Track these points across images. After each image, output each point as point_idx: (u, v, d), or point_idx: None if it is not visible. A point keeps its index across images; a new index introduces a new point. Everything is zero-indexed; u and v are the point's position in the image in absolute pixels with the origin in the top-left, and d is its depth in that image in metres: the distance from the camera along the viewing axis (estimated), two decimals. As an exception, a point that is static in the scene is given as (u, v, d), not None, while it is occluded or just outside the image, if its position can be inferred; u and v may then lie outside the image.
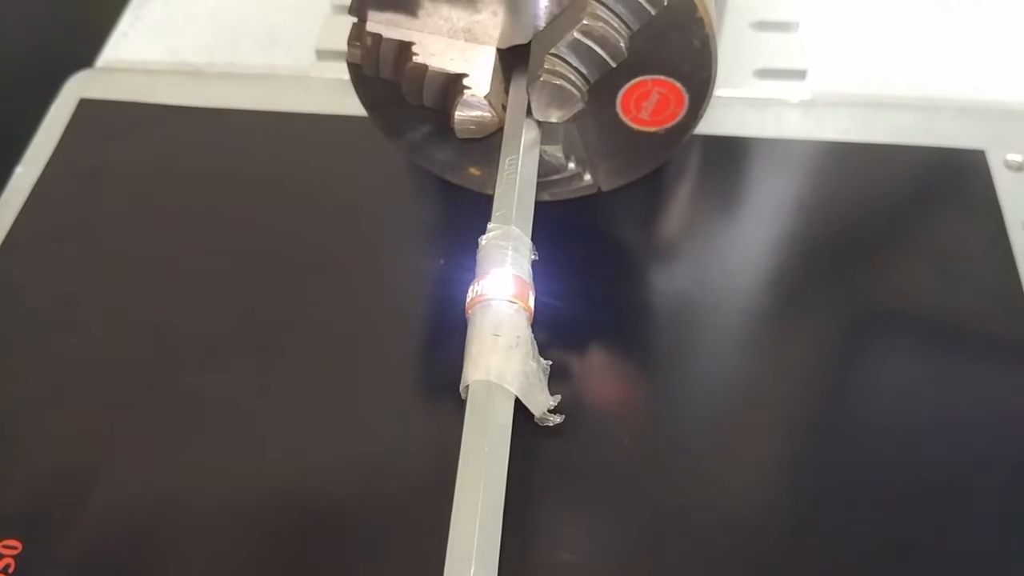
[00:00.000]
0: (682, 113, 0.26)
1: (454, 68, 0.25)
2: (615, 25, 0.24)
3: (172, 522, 0.25)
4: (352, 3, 0.25)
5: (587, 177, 0.28)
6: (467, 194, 0.30)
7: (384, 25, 0.25)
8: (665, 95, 0.26)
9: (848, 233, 0.30)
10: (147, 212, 0.32)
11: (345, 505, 0.25)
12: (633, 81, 0.26)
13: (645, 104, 0.26)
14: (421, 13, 0.25)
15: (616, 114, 0.27)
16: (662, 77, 0.25)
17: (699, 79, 0.25)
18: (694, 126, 0.27)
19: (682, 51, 0.25)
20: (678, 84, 0.26)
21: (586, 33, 0.23)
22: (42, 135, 0.34)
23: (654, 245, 0.31)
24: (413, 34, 0.25)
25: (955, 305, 0.28)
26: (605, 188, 0.29)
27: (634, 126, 0.27)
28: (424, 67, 0.25)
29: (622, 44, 0.24)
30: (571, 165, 0.28)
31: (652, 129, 0.27)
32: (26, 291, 0.30)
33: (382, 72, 0.26)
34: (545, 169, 0.27)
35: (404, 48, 0.25)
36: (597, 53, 0.24)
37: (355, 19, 0.26)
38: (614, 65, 0.24)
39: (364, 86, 0.28)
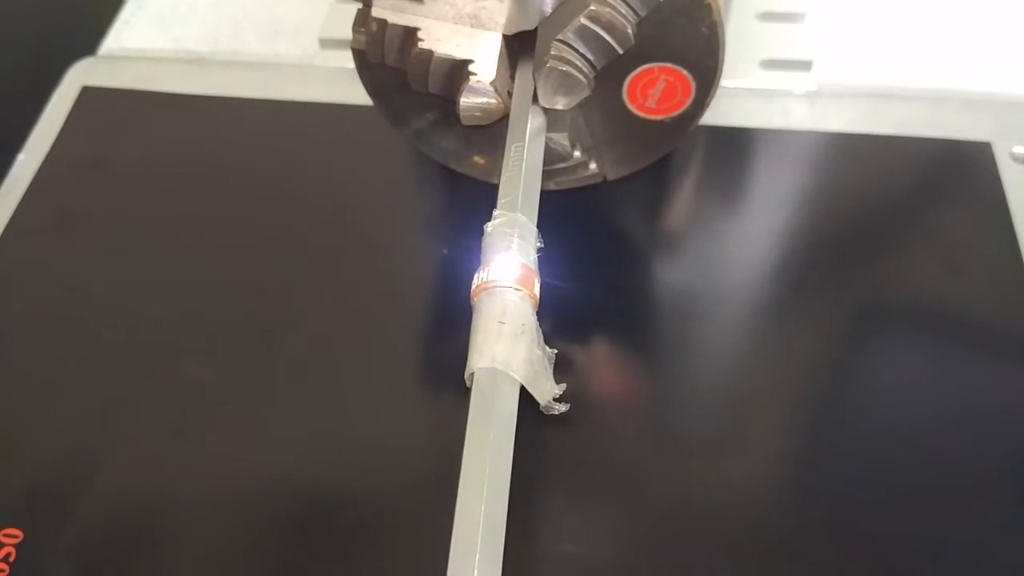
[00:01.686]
0: (689, 101, 0.26)
1: (460, 54, 0.25)
2: (622, 11, 0.23)
3: (173, 513, 0.25)
4: None
5: (593, 166, 0.28)
6: (472, 183, 0.30)
7: (389, 11, 0.25)
8: (672, 83, 0.26)
9: (853, 225, 0.30)
10: (149, 200, 0.32)
11: (349, 495, 0.25)
12: (640, 68, 0.26)
13: (651, 92, 0.26)
14: None
15: (622, 102, 0.26)
16: (669, 65, 0.25)
17: (706, 67, 0.25)
18: (700, 115, 0.27)
19: (689, 38, 0.25)
20: (685, 72, 0.25)
21: (593, 19, 0.23)
22: (44, 123, 0.34)
23: (660, 235, 0.31)
24: (419, 20, 0.25)
25: (960, 297, 0.28)
26: (611, 177, 0.29)
27: (640, 114, 0.27)
28: (429, 53, 0.25)
29: (629, 30, 0.24)
30: (577, 153, 0.28)
31: (658, 117, 0.27)
32: (27, 279, 0.30)
33: (387, 58, 0.26)
34: (551, 157, 0.27)
35: (409, 34, 0.25)
36: (604, 39, 0.24)
37: (360, 5, 0.26)
38: (621, 52, 0.24)
39: (368, 73, 0.27)
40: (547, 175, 0.27)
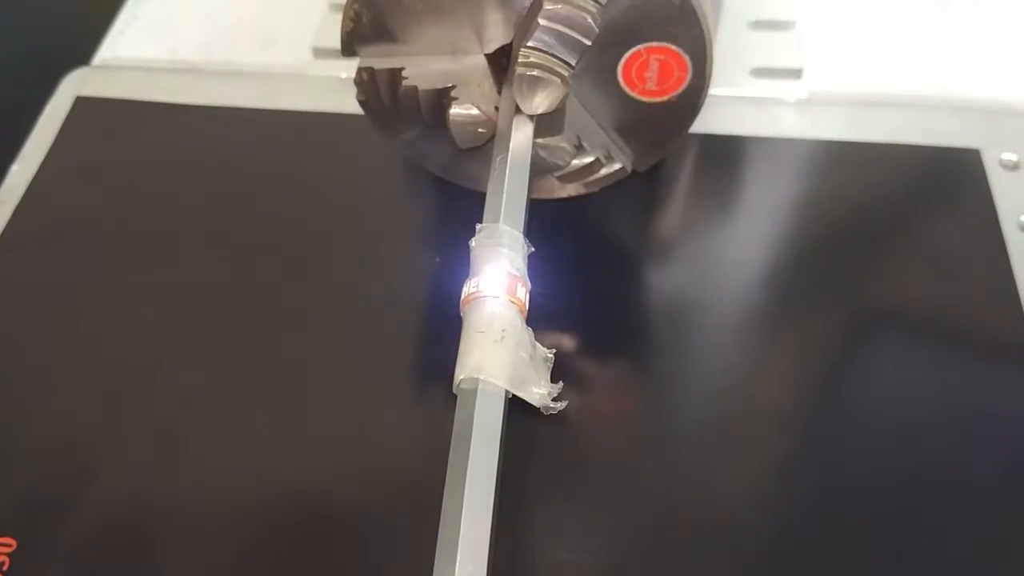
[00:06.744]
0: (688, 76, 0.26)
1: (442, 83, 0.25)
2: (580, 3, 0.23)
3: (168, 520, 0.25)
4: (342, 46, 0.26)
5: (615, 162, 0.28)
6: (464, 192, 0.30)
7: (374, 58, 0.26)
8: (665, 61, 0.25)
9: (843, 232, 0.30)
10: (143, 210, 0.32)
11: (341, 503, 0.25)
12: (627, 54, 0.25)
13: (647, 75, 0.26)
14: (405, 39, 0.25)
15: (622, 90, 0.26)
16: (654, 43, 0.25)
17: (691, 36, 0.25)
18: (706, 87, 0.26)
19: (664, 12, 0.24)
20: (673, 47, 0.25)
21: (551, 18, 0.23)
22: (38, 133, 0.34)
23: (651, 243, 0.31)
24: (401, 59, 0.26)
25: (950, 304, 0.28)
26: (640, 168, 0.28)
27: (644, 99, 0.26)
28: (415, 88, 0.25)
29: (590, 20, 0.23)
30: (588, 154, 0.27)
31: (663, 98, 0.26)
32: (22, 289, 0.30)
33: (385, 102, 0.26)
34: (554, 162, 0.27)
35: (395, 74, 0.26)
36: (568, 35, 0.23)
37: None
38: (588, 43, 0.24)
39: (372, 113, 0.28)
40: (566, 179, 0.27)
